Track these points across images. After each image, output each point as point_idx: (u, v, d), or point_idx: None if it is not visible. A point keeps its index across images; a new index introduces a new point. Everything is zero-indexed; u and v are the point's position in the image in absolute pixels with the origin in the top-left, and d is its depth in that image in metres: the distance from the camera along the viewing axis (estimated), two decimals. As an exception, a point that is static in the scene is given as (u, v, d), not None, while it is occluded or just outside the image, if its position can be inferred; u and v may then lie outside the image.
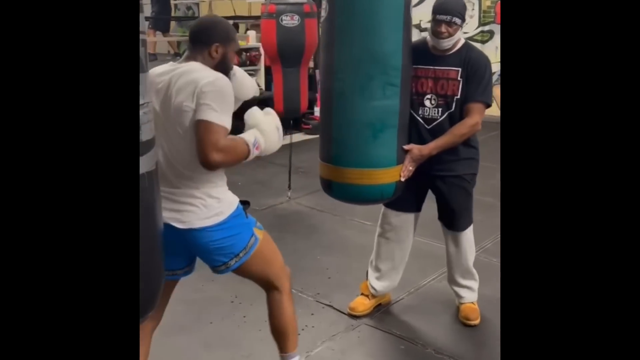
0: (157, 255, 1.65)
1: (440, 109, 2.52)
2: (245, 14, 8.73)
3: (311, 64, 5.13)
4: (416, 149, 2.45)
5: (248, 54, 6.44)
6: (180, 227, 1.85)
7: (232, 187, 2.01)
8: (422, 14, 2.52)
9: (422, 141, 2.50)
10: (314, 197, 4.50)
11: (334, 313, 2.91)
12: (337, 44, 2.31)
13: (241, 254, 1.92)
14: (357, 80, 2.29)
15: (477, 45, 8.32)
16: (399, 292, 3.05)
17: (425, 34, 2.62)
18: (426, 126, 2.54)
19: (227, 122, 1.78)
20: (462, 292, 2.80)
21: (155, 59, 8.11)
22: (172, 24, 9.90)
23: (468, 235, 2.71)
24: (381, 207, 2.77)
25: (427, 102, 2.53)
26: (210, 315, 2.88)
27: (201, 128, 1.76)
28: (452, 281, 2.82)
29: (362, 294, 2.88)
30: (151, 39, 8.08)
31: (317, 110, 6.68)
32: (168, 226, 1.83)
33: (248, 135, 1.88)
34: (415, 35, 2.56)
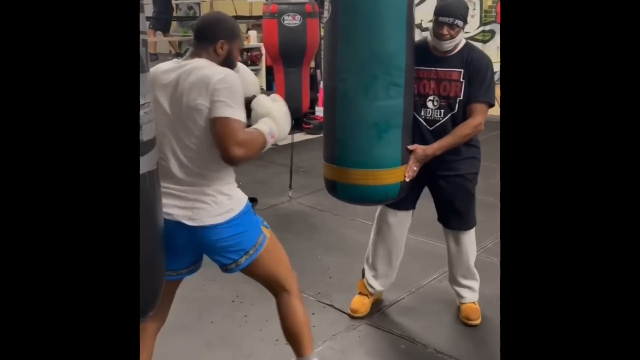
0: (157, 255, 1.65)
1: (442, 111, 2.52)
2: (247, 13, 8.73)
3: (312, 64, 5.13)
4: (420, 150, 2.45)
5: (249, 53, 6.44)
6: (191, 224, 1.84)
7: (233, 186, 2.01)
8: (423, 14, 2.52)
9: (424, 142, 2.50)
10: (315, 196, 4.50)
11: (334, 313, 2.91)
12: (340, 44, 2.31)
13: (251, 251, 1.92)
14: (360, 81, 2.28)
15: (478, 44, 8.32)
16: (399, 291, 3.05)
17: (427, 34, 2.61)
18: (428, 127, 2.54)
19: (242, 116, 1.81)
20: (463, 292, 2.80)
21: (157, 58, 8.12)
22: (173, 23, 9.91)
23: (470, 235, 2.72)
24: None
25: (429, 104, 2.53)
26: (211, 315, 2.88)
27: (220, 125, 1.77)
28: (453, 281, 2.82)
29: (360, 293, 2.88)
30: (152, 39, 8.09)
31: (318, 110, 6.68)
32: (177, 224, 1.84)
33: (263, 126, 1.89)
34: (417, 35, 2.56)
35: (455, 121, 2.51)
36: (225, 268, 1.96)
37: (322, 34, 3.57)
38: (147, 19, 7.34)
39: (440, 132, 2.51)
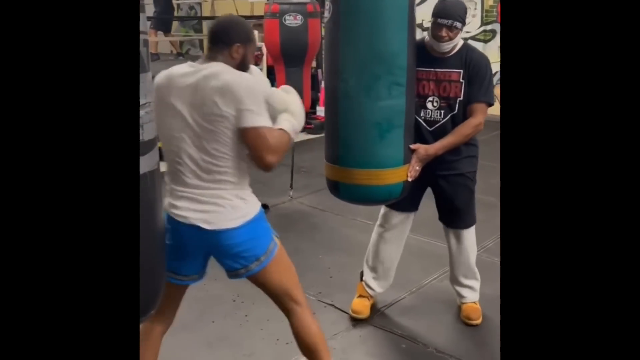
0: (158, 254, 1.65)
1: (442, 111, 2.52)
2: (248, 13, 8.73)
3: (313, 64, 5.13)
4: (422, 149, 2.45)
5: (251, 53, 6.43)
6: (207, 228, 1.83)
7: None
8: (424, 14, 2.53)
9: (424, 143, 2.50)
10: (316, 196, 4.50)
11: (335, 312, 2.91)
12: (341, 44, 2.31)
13: (262, 258, 1.90)
14: (363, 81, 2.28)
15: (480, 44, 8.32)
16: (400, 291, 3.05)
17: (426, 34, 2.61)
18: (428, 128, 2.54)
19: (269, 121, 1.83)
20: (463, 291, 2.81)
21: (158, 58, 8.13)
22: (175, 23, 9.91)
23: (471, 234, 2.72)
24: (381, 206, 2.77)
25: (429, 105, 2.53)
26: (212, 314, 2.88)
27: (251, 135, 1.79)
28: (454, 280, 2.83)
29: (360, 295, 2.87)
30: (153, 39, 8.09)
31: (319, 110, 6.68)
32: (192, 228, 1.84)
33: (286, 124, 1.90)
34: (418, 34, 2.56)
35: (455, 121, 2.51)
36: (235, 273, 1.93)
37: (323, 33, 3.57)
38: (148, 18, 7.35)
39: (440, 133, 2.52)
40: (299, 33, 4.23)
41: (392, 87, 2.28)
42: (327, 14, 2.36)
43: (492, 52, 7.37)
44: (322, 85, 6.12)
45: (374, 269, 2.83)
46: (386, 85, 2.27)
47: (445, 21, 2.41)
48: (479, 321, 2.77)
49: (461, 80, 2.48)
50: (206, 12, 10.09)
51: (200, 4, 10.41)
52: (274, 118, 1.89)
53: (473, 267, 2.78)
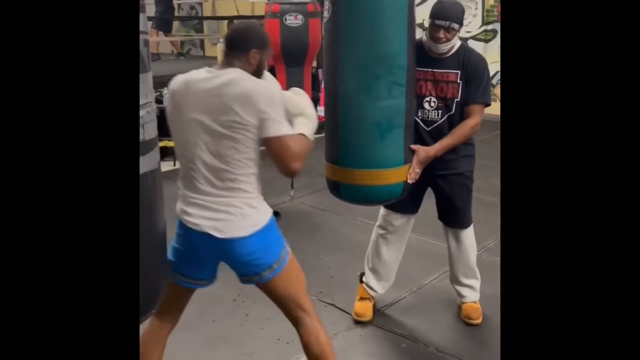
0: (158, 253, 1.66)
1: (440, 112, 2.53)
2: (249, 13, 8.73)
3: (314, 64, 5.13)
4: (423, 151, 2.46)
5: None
6: (218, 236, 1.83)
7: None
8: (424, 14, 2.54)
9: (422, 143, 2.51)
10: (317, 196, 4.51)
11: (335, 312, 2.91)
12: (341, 44, 2.30)
13: (275, 265, 1.90)
14: (363, 81, 2.28)
15: (481, 44, 8.30)
16: (400, 291, 3.05)
17: (423, 34, 2.62)
18: (426, 128, 2.55)
19: (290, 127, 1.86)
20: (464, 291, 2.81)
21: (159, 58, 8.13)
22: (176, 23, 9.91)
23: (470, 233, 2.73)
24: (380, 206, 2.77)
25: (426, 105, 2.54)
26: (212, 314, 2.89)
27: (276, 144, 1.81)
28: (455, 280, 2.83)
29: (361, 298, 2.86)
30: (154, 39, 8.09)
31: (320, 110, 6.68)
32: (203, 235, 1.84)
33: (304, 129, 1.93)
34: (419, 34, 2.56)
35: (452, 122, 2.53)
36: (248, 279, 1.93)
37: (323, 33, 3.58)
38: (150, 18, 7.35)
39: (436, 133, 2.53)
40: (300, 33, 4.24)
41: (393, 87, 2.28)
42: (326, 14, 2.36)
43: (493, 51, 7.37)
44: (323, 85, 6.12)
45: (375, 271, 2.83)
46: (386, 85, 2.27)
47: (442, 22, 2.42)
48: (479, 321, 2.77)
49: (458, 81, 2.49)
50: (207, 12, 10.09)
51: (201, 4, 10.41)
52: (289, 122, 1.90)
53: (473, 267, 2.78)
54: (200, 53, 10.68)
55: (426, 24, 2.53)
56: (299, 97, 2.01)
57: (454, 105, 2.51)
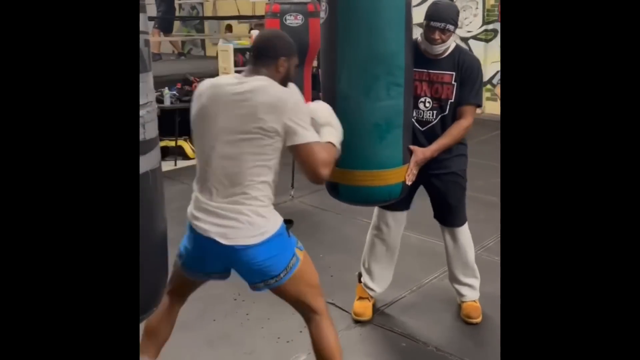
0: (158, 252, 1.66)
1: (434, 112, 2.55)
2: (249, 13, 8.74)
3: (314, 64, 5.14)
4: (420, 152, 2.47)
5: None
6: (224, 243, 1.84)
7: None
8: (424, 14, 2.54)
9: (416, 143, 2.53)
10: (317, 195, 4.51)
11: (336, 311, 2.91)
12: (339, 45, 2.30)
13: (282, 274, 1.90)
14: (362, 81, 2.28)
15: (481, 44, 8.29)
16: (400, 290, 3.06)
17: (418, 35, 2.63)
18: (420, 128, 2.57)
19: (317, 135, 1.89)
20: (463, 290, 2.81)
21: (160, 58, 8.14)
22: (176, 23, 9.91)
23: (465, 230, 2.74)
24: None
25: (421, 105, 2.56)
26: (213, 313, 2.89)
27: (304, 151, 1.85)
28: (454, 279, 2.83)
29: (360, 297, 2.87)
30: (156, 39, 8.10)
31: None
32: (211, 240, 1.85)
33: (332, 137, 1.98)
34: (418, 34, 2.57)
35: (445, 122, 2.55)
36: (255, 286, 1.95)
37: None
38: (151, 18, 7.35)
39: (431, 133, 2.55)
40: (300, 33, 4.24)
41: (391, 88, 2.28)
42: (323, 15, 2.36)
43: (494, 51, 7.37)
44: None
45: (371, 271, 2.84)
46: (385, 86, 2.27)
47: (438, 24, 2.43)
48: (479, 320, 2.77)
49: (453, 82, 2.52)
50: (208, 12, 10.10)
51: (202, 3, 10.42)
52: (317, 132, 1.93)
53: (472, 265, 2.79)
54: (201, 53, 10.69)
55: (426, 24, 2.53)
56: (325, 108, 2.06)
57: (448, 106, 2.54)
